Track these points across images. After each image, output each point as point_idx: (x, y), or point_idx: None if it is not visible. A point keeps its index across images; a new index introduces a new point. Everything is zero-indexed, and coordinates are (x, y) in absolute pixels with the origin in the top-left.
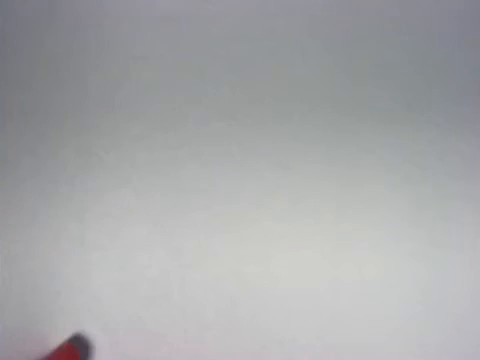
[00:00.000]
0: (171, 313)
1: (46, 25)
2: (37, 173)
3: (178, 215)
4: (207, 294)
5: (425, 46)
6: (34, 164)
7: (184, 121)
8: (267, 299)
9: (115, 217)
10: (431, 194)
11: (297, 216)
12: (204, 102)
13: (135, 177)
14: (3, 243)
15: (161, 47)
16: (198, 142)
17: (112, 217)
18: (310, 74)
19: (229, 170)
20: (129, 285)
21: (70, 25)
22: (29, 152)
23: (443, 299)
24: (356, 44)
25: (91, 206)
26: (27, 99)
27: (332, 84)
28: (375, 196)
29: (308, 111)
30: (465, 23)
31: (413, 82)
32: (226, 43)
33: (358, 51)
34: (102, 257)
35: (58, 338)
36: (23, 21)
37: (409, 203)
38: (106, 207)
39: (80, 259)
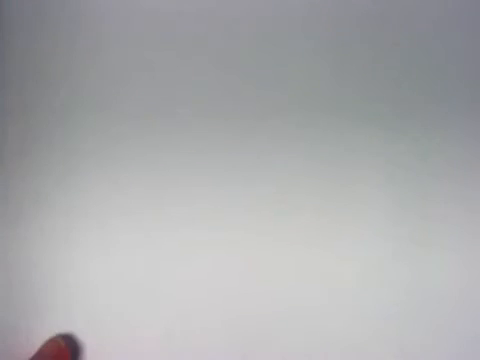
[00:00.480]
0: (159, 309)
1: (37, 24)
2: (25, 171)
3: (166, 212)
4: (197, 290)
5: (410, 47)
6: (22, 163)
7: (173, 120)
8: (253, 296)
9: (103, 214)
10: (414, 194)
11: (282, 214)
12: (195, 102)
13: (123, 176)
14: None
15: (152, 46)
16: (188, 141)
17: (100, 215)
18: (294, 73)
19: (218, 168)
20: (116, 282)
21: (61, 25)
22: (17, 151)
23: (426, 299)
24: (344, 45)
25: (79, 204)
26: (16, 99)
27: (318, 84)
28: (359, 195)
29: (293, 109)
30: (452, 25)
31: (399, 83)
32: (221, 43)
33: (346, 52)
34: (89, 254)
35: (46, 336)
36: (14, 21)
37: (393, 203)
38: (95, 205)
39: (66, 256)
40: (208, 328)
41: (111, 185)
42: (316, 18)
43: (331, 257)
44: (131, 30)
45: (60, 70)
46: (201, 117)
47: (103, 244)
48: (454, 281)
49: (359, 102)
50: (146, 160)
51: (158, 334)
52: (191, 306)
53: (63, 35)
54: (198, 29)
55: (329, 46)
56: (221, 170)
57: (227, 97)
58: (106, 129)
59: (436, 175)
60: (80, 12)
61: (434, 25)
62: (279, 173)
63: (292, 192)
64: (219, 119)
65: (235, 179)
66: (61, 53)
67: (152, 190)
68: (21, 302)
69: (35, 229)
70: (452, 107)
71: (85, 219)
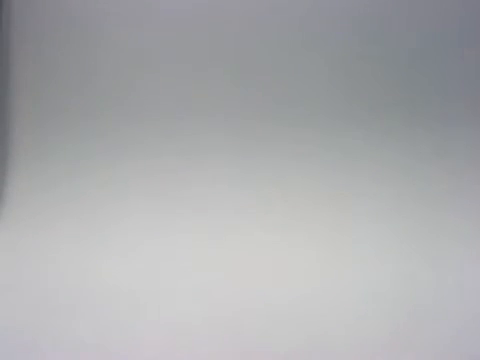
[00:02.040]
0: (159, 320)
1: (44, 27)
2: (35, 173)
3: (171, 222)
4: (197, 302)
5: (413, 50)
6: (32, 164)
7: (181, 128)
8: (258, 307)
9: (107, 221)
10: (416, 198)
11: (288, 224)
12: (202, 108)
13: (129, 182)
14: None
15: (163, 51)
16: (193, 148)
17: (104, 221)
18: (308, 80)
19: (223, 176)
20: (118, 283)
21: (68, 27)
22: (27, 153)
23: (427, 305)
24: (346, 47)
25: (85, 210)
26: (23, 101)
27: (329, 92)
28: (360, 197)
29: (305, 117)
30: (457, 26)
31: (409, 91)
32: (226, 48)
33: (348, 54)
34: (93, 255)
35: (51, 337)
36: (22, 23)
37: (394, 206)
38: (98, 210)
39: (73, 257)
40: (209, 328)
41: (117, 193)
42: (317, 19)
43: (332, 259)
44: (137, 32)
45: (67, 72)
46: (204, 118)
47: (103, 245)
48: (456, 287)
49: (361, 104)
50: (151, 161)
51: (160, 347)
52: (192, 307)
53: (70, 37)
54: (200, 29)
55: (331, 47)
56: (222, 171)
57: (228, 98)
58: (111, 131)
59: (438, 178)
60: (85, 14)
61: (438, 27)
62: (280, 174)
63: (293, 193)
64: (221, 120)
65: (236, 180)
66: (68, 55)
67: (156, 192)
68: (26, 304)
69: (40, 230)
70: (456, 110)
71: (90, 220)
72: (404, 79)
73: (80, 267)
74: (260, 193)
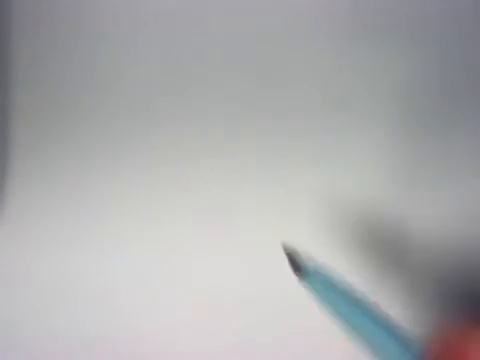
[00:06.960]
0: (146, 306)
1: (42, 23)
2: (35, 173)
3: (169, 211)
4: (198, 290)
5: (423, 48)
6: (32, 165)
7: (171, 117)
8: (256, 297)
9: (104, 213)
10: (418, 195)
11: (277, 211)
12: (202, 107)
13: (129, 181)
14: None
15: (156, 46)
16: (184, 138)
17: (104, 220)
18: (303, 71)
19: (221, 168)
20: (120, 281)
21: (65, 24)
22: (27, 153)
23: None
24: (347, 45)
25: (85, 209)
26: (26, 101)
27: (323, 84)
28: (363, 196)
29: (298, 108)
30: (461, 24)
31: (406, 84)
32: (219, 41)
33: (350, 52)
34: (93, 253)
35: (49, 335)
36: (19, 20)
37: (396, 204)
38: (99, 209)
39: (71, 255)
40: (211, 329)
41: (115, 183)
42: (319, 15)
43: (333, 258)
44: (139, 32)
45: (63, 68)
46: (205, 117)
47: (106, 243)
48: None
49: (363, 103)
50: (149, 158)
51: (159, 333)
52: (192, 306)
53: (66, 33)
54: (200, 28)
55: (333, 45)
56: (223, 170)
57: (229, 96)
58: (110, 127)
59: (440, 177)
60: (83, 11)
61: (442, 25)
62: (281, 173)
63: (295, 193)
64: (222, 119)
65: (238, 179)
66: (65, 51)
67: (156, 188)
68: (27, 303)
69: (40, 230)
70: (458, 109)
71: (90, 218)
72: (410, 79)
73: (81, 266)
74: (262, 192)
